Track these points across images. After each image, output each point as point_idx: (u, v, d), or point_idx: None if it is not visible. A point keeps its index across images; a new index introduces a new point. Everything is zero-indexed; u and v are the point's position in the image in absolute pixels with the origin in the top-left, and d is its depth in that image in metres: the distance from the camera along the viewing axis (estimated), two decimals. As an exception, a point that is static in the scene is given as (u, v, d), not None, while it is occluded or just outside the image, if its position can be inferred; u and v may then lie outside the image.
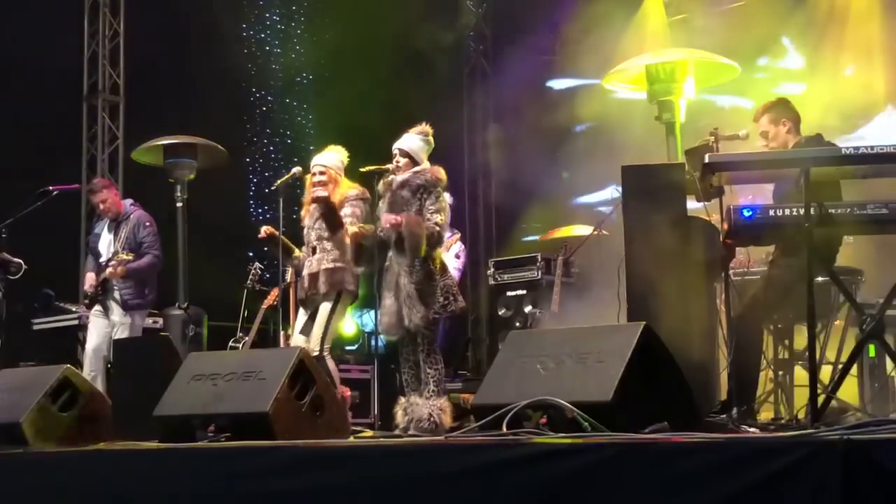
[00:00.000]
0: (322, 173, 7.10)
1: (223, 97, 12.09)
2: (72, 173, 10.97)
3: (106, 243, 8.33)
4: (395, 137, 6.74)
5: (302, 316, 7.13)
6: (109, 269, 8.03)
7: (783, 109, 6.00)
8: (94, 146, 11.69)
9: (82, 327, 9.05)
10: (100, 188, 8.54)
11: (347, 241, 6.94)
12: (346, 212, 6.96)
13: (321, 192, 6.90)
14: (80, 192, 10.86)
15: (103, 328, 8.14)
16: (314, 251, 7.06)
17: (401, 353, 6.58)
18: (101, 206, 8.44)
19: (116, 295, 8.11)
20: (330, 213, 6.92)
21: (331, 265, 6.98)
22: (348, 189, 7.07)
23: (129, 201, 8.58)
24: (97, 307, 8.22)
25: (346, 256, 7.00)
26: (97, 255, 8.37)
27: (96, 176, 11.49)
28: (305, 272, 7.08)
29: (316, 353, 6.93)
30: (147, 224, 8.30)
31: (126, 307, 8.09)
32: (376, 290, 6.58)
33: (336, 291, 6.96)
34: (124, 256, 7.99)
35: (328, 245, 7.04)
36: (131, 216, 8.34)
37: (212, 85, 11.62)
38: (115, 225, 8.35)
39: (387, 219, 6.40)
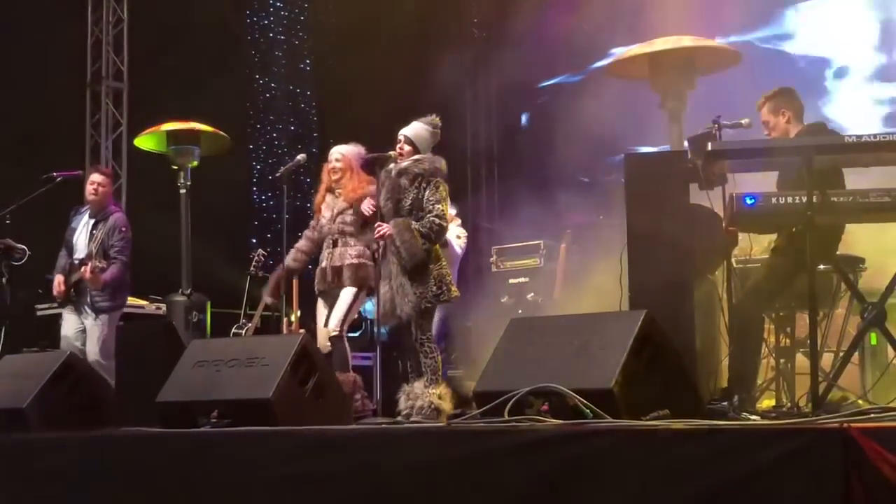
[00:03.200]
0: (338, 160, 7.22)
1: (226, 84, 12.08)
2: (75, 160, 10.98)
3: (82, 239, 8.09)
4: (398, 124, 6.73)
5: (322, 308, 7.19)
6: (88, 274, 7.83)
7: (783, 100, 5.99)
8: (98, 133, 11.70)
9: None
10: (105, 173, 8.39)
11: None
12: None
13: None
14: (83, 179, 10.86)
15: (76, 324, 8.04)
16: (335, 244, 7.12)
17: (405, 340, 6.59)
18: (94, 189, 8.15)
19: (88, 298, 8.00)
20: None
21: (355, 261, 7.05)
22: (364, 185, 7.11)
23: (112, 200, 8.41)
24: (69, 306, 8.11)
25: (367, 251, 7.06)
26: (71, 249, 8.15)
27: (100, 162, 11.50)
28: (326, 264, 7.13)
29: (336, 333, 6.99)
30: (122, 229, 8.04)
31: (97, 311, 7.98)
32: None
33: (360, 284, 7.05)
34: (98, 264, 7.84)
35: (351, 240, 7.11)
36: (110, 217, 8.09)
37: (215, 71, 11.61)
38: (94, 223, 8.16)
39: (377, 231, 6.40)
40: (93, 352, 7.81)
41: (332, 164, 7.27)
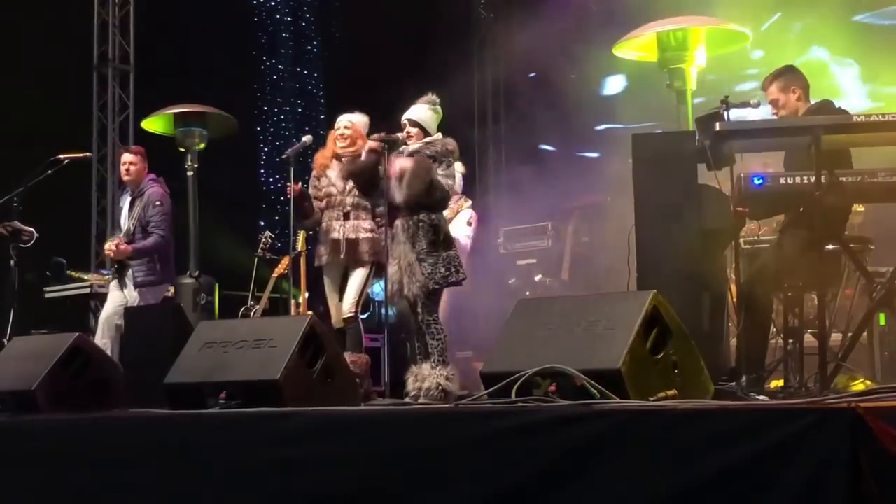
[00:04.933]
0: (347, 128, 7.20)
1: (233, 66, 12.07)
2: (83, 143, 10.99)
3: (124, 217, 8.33)
4: (405, 106, 6.73)
5: (329, 284, 7.18)
6: (114, 249, 8.00)
7: (793, 77, 5.97)
8: (105, 115, 11.72)
9: (94, 296, 9.09)
10: (134, 151, 8.44)
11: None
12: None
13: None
14: (90, 162, 10.88)
15: (118, 299, 8.14)
16: (346, 216, 7.09)
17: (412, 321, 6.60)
18: (128, 168, 8.27)
19: (129, 272, 8.10)
20: (360, 175, 6.93)
21: (370, 234, 7.03)
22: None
23: (150, 176, 8.47)
24: (114, 281, 8.23)
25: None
26: (120, 228, 8.38)
27: (107, 145, 11.55)
28: (339, 236, 7.09)
29: (350, 314, 6.99)
30: (157, 203, 8.14)
31: (136, 284, 8.06)
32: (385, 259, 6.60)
33: (374, 261, 7.03)
34: (118, 239, 7.99)
35: (363, 213, 7.09)
36: (146, 192, 8.21)
37: (222, 53, 11.61)
38: (132, 200, 8.30)
39: (399, 166, 6.38)
40: None
41: (341, 130, 7.22)
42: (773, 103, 5.97)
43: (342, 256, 7.08)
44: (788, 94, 5.90)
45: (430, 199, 6.35)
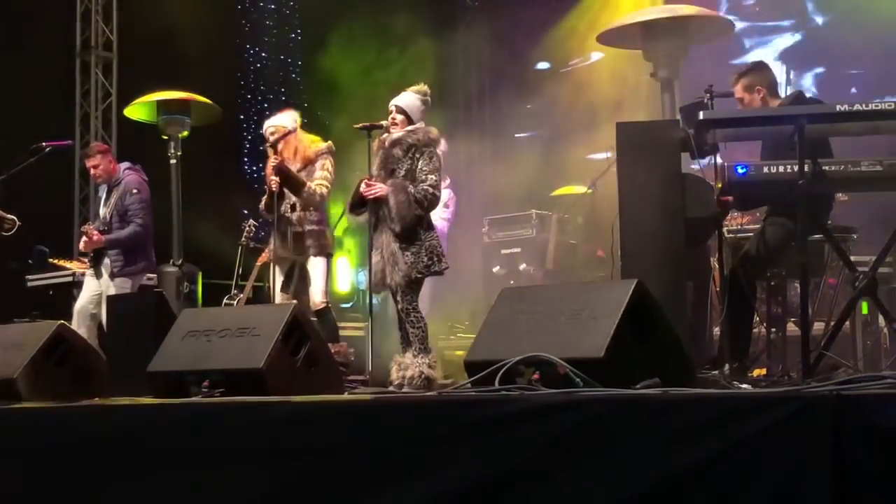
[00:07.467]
0: (272, 133, 7.21)
1: (217, 53, 12.02)
2: (65, 129, 10.93)
3: (102, 207, 8.32)
4: (390, 94, 6.72)
5: (279, 274, 7.19)
6: (84, 240, 8.03)
7: (756, 76, 5.99)
8: (88, 102, 11.66)
9: (76, 284, 9.05)
10: (94, 153, 8.46)
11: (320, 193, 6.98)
12: (318, 175, 7.05)
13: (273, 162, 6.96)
14: (73, 149, 10.82)
15: (94, 288, 8.13)
16: (293, 208, 7.09)
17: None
18: (93, 171, 8.37)
19: (106, 261, 8.09)
20: (288, 179, 6.95)
21: (316, 227, 7.05)
22: (313, 144, 7.15)
23: (125, 165, 8.45)
24: (90, 270, 8.22)
25: (325, 217, 7.09)
26: (98, 218, 8.37)
27: (90, 132, 11.49)
28: (286, 228, 7.08)
29: (322, 306, 7.01)
30: (134, 191, 8.15)
31: (111, 275, 8.05)
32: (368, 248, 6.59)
33: (325, 254, 7.06)
34: (87, 228, 8.01)
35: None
36: (122, 182, 8.22)
37: (205, 41, 11.54)
38: (109, 189, 8.31)
39: (368, 191, 6.36)
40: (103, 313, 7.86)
41: (267, 137, 7.21)
42: (739, 101, 5.99)
43: (292, 249, 7.09)
44: (753, 94, 5.92)
45: (420, 212, 6.33)
